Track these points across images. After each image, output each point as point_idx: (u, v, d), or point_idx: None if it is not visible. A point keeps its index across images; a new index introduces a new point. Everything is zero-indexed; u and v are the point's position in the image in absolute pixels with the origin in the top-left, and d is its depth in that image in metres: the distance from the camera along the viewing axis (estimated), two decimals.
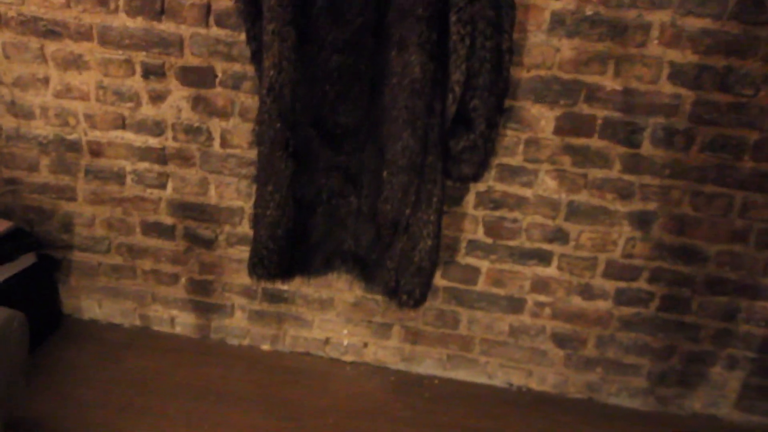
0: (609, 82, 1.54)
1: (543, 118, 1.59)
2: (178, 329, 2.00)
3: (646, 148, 1.60)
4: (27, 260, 1.81)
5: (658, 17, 1.46)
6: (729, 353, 1.82)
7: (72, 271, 1.96)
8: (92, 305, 2.01)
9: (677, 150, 1.59)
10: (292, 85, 1.38)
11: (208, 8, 1.56)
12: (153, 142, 1.74)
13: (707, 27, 1.45)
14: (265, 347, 1.99)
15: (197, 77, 1.64)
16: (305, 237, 1.54)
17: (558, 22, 1.49)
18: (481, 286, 1.81)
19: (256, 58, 1.48)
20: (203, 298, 1.95)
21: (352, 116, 1.42)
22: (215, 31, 1.59)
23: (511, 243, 1.75)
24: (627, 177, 1.64)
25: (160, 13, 1.58)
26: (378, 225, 1.50)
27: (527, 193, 1.68)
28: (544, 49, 1.52)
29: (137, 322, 2.01)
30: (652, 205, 1.66)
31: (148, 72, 1.65)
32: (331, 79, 1.39)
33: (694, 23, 1.45)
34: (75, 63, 1.66)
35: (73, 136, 1.76)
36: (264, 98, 1.41)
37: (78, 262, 1.94)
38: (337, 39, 1.35)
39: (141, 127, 1.72)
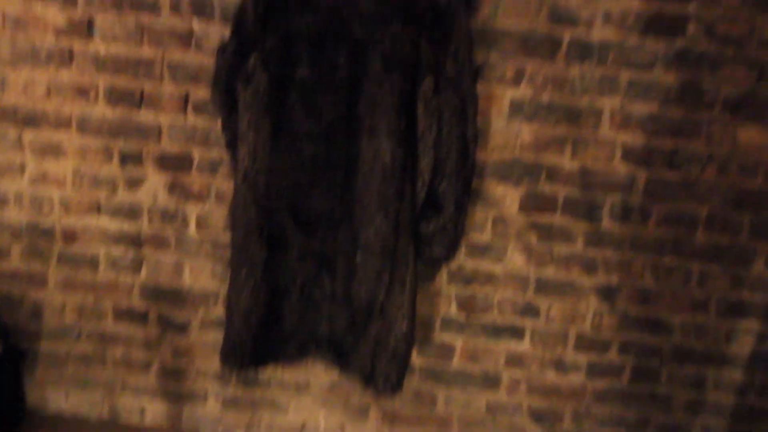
0: (567, 163, 1.60)
1: (508, 197, 1.64)
2: (148, 420, 1.89)
3: (606, 224, 1.64)
4: None
5: (608, 103, 1.55)
6: (702, 423, 1.80)
7: (39, 361, 1.85)
8: (59, 397, 1.89)
9: (635, 224, 1.64)
10: (266, 174, 1.40)
11: (186, 98, 1.60)
12: (128, 227, 1.71)
13: (653, 112, 1.55)
14: None
15: (174, 163, 1.65)
16: (279, 324, 1.51)
17: (517, 109, 1.57)
18: (456, 363, 1.78)
19: (231, 146, 1.50)
20: (175, 385, 1.86)
21: (326, 202, 1.43)
22: (192, 119, 1.61)
23: (484, 319, 1.74)
24: (590, 251, 1.67)
25: (139, 103, 1.61)
26: (353, 309, 1.48)
27: (497, 269, 1.70)
28: (505, 134, 1.59)
29: (105, 414, 1.90)
30: (615, 278, 1.68)
31: (126, 159, 1.66)
32: (305, 166, 1.41)
33: (641, 108, 1.55)
34: (53, 150, 1.66)
35: (47, 223, 1.72)
36: (239, 186, 1.43)
37: (45, 352, 1.85)
38: (311, 129, 1.39)
39: (116, 212, 1.70)
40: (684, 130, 1.56)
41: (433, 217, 1.47)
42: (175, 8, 1.54)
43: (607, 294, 1.70)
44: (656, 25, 1.49)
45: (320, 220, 1.45)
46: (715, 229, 1.64)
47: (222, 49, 1.44)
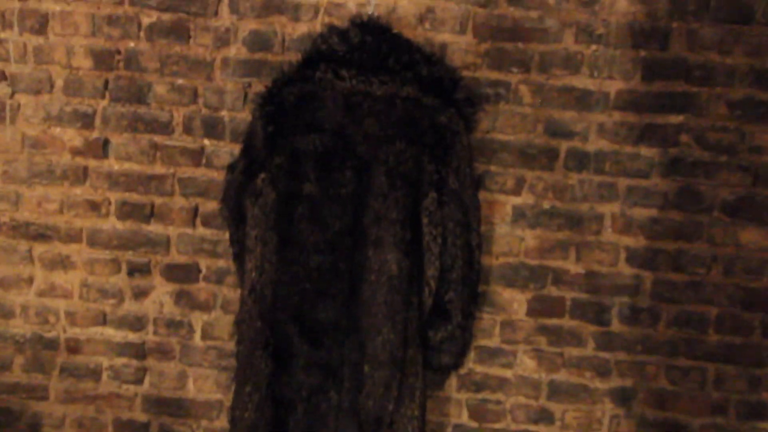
0: (572, 266, 1.62)
1: (515, 301, 1.65)
2: None
3: (616, 326, 1.64)
4: None
5: (608, 209, 1.59)
6: None
7: None
8: None
9: (645, 326, 1.63)
10: (273, 286, 1.42)
11: (195, 210, 1.65)
12: (133, 337, 1.72)
13: (653, 215, 1.59)
14: None
15: (182, 273, 1.69)
16: None
17: (520, 215, 1.61)
18: None
19: (238, 258, 1.53)
20: None
21: (332, 312, 1.43)
22: (201, 231, 1.66)
23: (497, 426, 1.70)
24: (602, 354, 1.66)
25: (149, 216, 1.66)
26: (360, 422, 1.44)
27: (507, 373, 1.68)
28: (509, 239, 1.62)
29: None
30: (629, 381, 1.66)
31: (133, 270, 1.69)
32: (311, 277, 1.42)
33: (641, 212, 1.59)
34: (61, 263, 1.70)
35: (51, 334, 1.74)
36: (245, 298, 1.44)
37: None
38: (317, 241, 1.41)
39: (122, 322, 1.72)
40: (685, 233, 1.60)
41: (442, 325, 1.47)
42: (187, 129, 1.63)
43: (622, 397, 1.67)
44: (649, 135, 1.57)
45: (326, 330, 1.44)
46: (726, 329, 1.63)
47: (231, 167, 1.50)
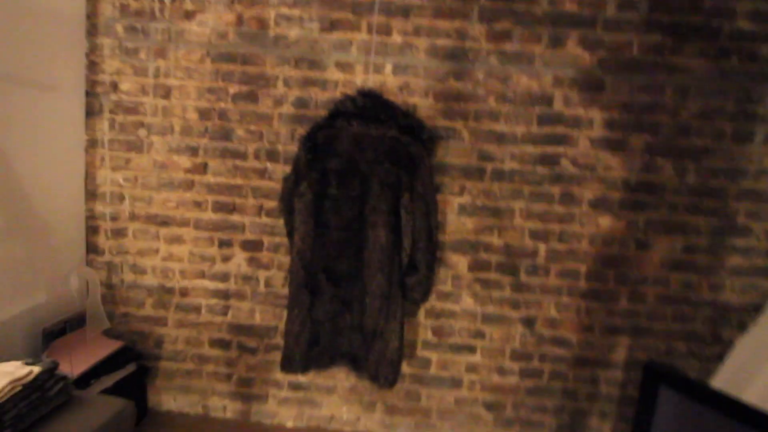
0: (495, 241, 2.06)
1: (460, 262, 2.08)
2: (228, 414, 2.25)
3: (523, 278, 2.08)
4: (130, 368, 2.12)
5: (517, 205, 2.03)
6: (599, 408, 2.15)
7: (158, 375, 2.25)
8: (169, 400, 2.27)
9: (541, 277, 2.06)
10: (310, 250, 1.87)
11: (261, 207, 2.10)
12: (221, 286, 2.16)
13: (545, 209, 2.02)
14: (289, 424, 2.25)
15: (252, 246, 2.12)
16: (318, 342, 1.94)
17: (462, 209, 2.04)
18: (433, 370, 2.15)
19: (290, 234, 1.98)
20: (247, 390, 2.23)
21: (346, 266, 1.90)
22: (264, 219, 2.10)
23: (449, 340, 2.12)
24: (515, 295, 2.10)
25: (232, 210, 2.11)
26: (363, 333, 1.91)
27: (456, 307, 2.10)
28: (456, 223, 2.06)
29: (200, 411, 2.27)
30: (532, 312, 2.09)
31: (222, 244, 2.13)
32: (334, 245, 1.88)
33: (538, 208, 2.02)
34: (177, 240, 2.14)
35: (170, 284, 2.18)
36: (294, 258, 1.90)
37: (162, 368, 2.24)
38: (338, 223, 1.87)
39: (214, 277, 2.15)
40: (566, 219, 2.02)
41: (413, 274, 1.91)
42: (256, 156, 2.05)
43: (527, 322, 2.10)
44: (542, 159, 1.99)
45: (343, 277, 1.89)
46: (592, 279, 2.06)
47: (286, 179, 1.95)
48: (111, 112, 2.07)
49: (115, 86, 2.06)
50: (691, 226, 2.00)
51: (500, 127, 1.97)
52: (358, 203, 1.84)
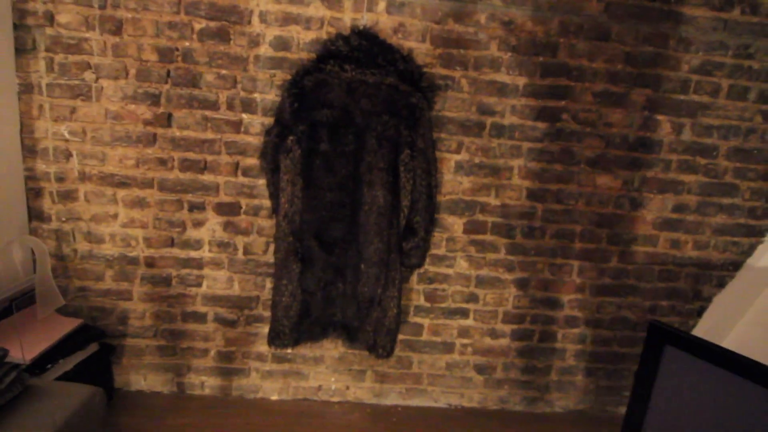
0: (492, 200, 1.79)
1: (455, 224, 1.80)
2: (207, 391, 1.93)
3: (519, 239, 1.83)
4: (92, 348, 1.72)
5: (516, 163, 1.75)
6: (586, 367, 1.99)
7: (124, 353, 1.87)
8: (138, 379, 1.90)
9: (537, 239, 1.83)
10: (300, 213, 1.52)
11: (237, 165, 1.69)
12: (193, 254, 1.77)
13: (544, 167, 1.76)
14: (274, 398, 1.95)
15: (228, 209, 1.73)
16: (309, 314, 1.62)
17: (459, 167, 1.74)
18: (425, 336, 1.91)
19: (274, 196, 1.61)
20: (227, 364, 1.91)
21: (340, 231, 1.56)
22: (242, 179, 1.71)
23: (442, 305, 1.88)
24: (509, 257, 1.85)
25: (203, 169, 1.69)
26: (358, 302, 1.60)
27: (450, 271, 1.85)
28: (452, 183, 1.76)
29: (175, 389, 1.92)
30: (526, 274, 1.87)
31: (193, 207, 1.72)
32: (326, 208, 1.54)
33: (536, 166, 1.75)
34: (139, 203, 1.71)
35: (133, 254, 1.76)
36: (281, 222, 1.54)
37: (129, 346, 1.86)
38: (329, 183, 1.52)
39: (185, 245, 1.76)
40: (563, 179, 1.78)
41: (411, 238, 1.62)
42: (230, 106, 1.64)
43: (521, 284, 1.88)
44: (543, 114, 1.72)
45: (336, 242, 1.57)
46: (586, 239, 1.85)
47: (268, 132, 1.56)
48: (48, 50, 1.55)
49: (50, 17, 1.53)
50: (682, 184, 1.80)
51: (502, 77, 1.65)
52: (353, 160, 1.51)
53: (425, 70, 1.59)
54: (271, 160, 1.54)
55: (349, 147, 1.49)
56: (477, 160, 1.73)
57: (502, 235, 1.81)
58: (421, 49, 1.62)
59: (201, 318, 1.84)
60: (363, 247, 1.55)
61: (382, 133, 1.48)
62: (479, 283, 1.85)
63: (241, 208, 1.73)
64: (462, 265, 1.83)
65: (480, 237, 1.81)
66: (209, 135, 1.66)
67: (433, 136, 1.59)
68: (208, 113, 1.64)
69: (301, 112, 1.47)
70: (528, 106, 1.69)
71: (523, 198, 1.78)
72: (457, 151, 1.72)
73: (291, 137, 1.48)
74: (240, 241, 1.76)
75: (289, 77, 1.51)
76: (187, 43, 1.58)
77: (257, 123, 1.65)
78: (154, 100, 1.62)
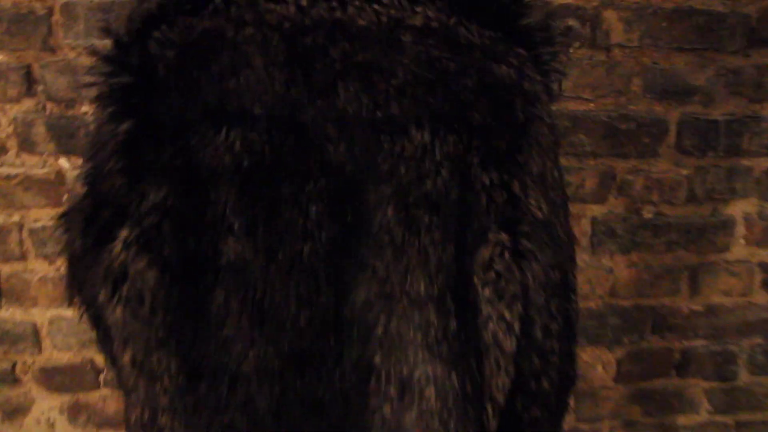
0: (685, 303, 0.76)
1: (600, 363, 0.78)
2: None
3: (743, 378, 0.80)
4: None
5: (740, 208, 0.72)
6: None
7: None
8: None
9: None
10: None
11: None
12: None
13: None
14: None
15: None
16: None
17: (605, 233, 0.71)
18: None
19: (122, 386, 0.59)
20: None
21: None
22: None
23: None
24: (719, 418, 0.82)
25: None
26: None
27: None
28: (590, 274, 0.73)
29: None
30: None
31: None
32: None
33: None
34: None
35: None
36: None
37: None
38: (262, 359, 0.51)
39: None
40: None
41: None
42: None
43: None
44: None
45: None
46: None
47: (67, 217, 0.53)
48: None
49: None
50: None
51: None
52: (330, 280, 0.48)
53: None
54: (90, 304, 0.51)
55: (315, 239, 0.46)
56: (647, 214, 0.71)
57: (706, 377, 0.81)
58: None
59: None
60: None
61: (416, 186, 0.44)
62: None
63: None
64: None
65: (655, 384, 0.79)
66: None
67: (563, 175, 0.55)
68: None
69: (147, 146, 0.44)
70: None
71: (755, 290, 0.76)
72: (597, 197, 0.70)
73: (123, 232, 0.45)
74: None
75: (109, 46, 0.45)
76: None
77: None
78: None
